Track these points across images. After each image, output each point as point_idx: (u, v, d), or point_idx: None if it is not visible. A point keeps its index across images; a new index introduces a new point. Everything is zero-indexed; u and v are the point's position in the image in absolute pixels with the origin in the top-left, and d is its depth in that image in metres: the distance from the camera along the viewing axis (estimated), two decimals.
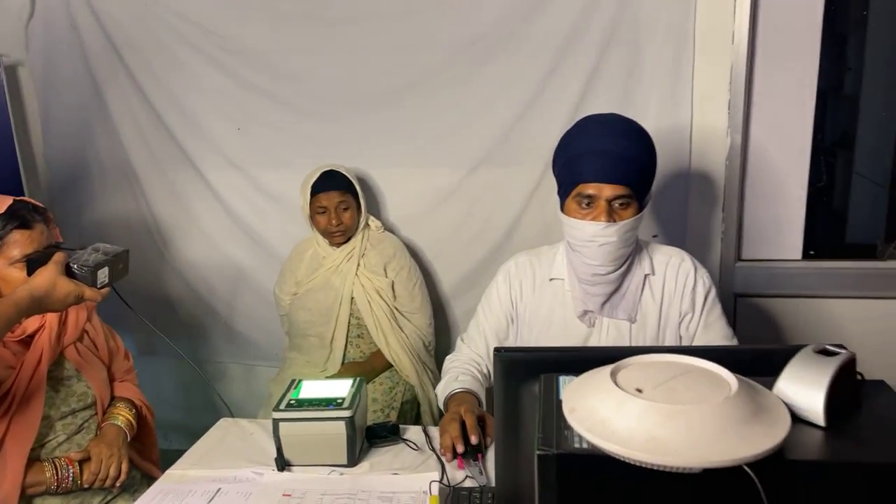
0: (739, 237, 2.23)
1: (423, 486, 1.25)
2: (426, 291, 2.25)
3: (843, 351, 0.74)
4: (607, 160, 1.43)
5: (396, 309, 2.15)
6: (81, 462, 1.51)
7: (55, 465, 1.48)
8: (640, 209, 1.49)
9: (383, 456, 1.45)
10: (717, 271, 2.23)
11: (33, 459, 1.48)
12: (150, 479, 1.62)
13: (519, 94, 2.17)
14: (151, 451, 1.75)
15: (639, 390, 0.71)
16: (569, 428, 0.72)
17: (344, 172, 2.13)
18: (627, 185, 1.44)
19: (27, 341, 1.52)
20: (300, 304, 2.17)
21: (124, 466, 1.54)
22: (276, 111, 2.34)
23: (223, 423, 1.63)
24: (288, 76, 2.31)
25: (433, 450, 1.45)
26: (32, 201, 1.53)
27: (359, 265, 2.14)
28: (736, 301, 2.26)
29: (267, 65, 2.31)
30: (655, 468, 0.65)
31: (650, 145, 1.51)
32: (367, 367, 2.12)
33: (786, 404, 0.72)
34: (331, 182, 2.10)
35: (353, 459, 1.40)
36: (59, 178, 2.63)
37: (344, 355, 2.14)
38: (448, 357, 1.74)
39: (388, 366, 2.16)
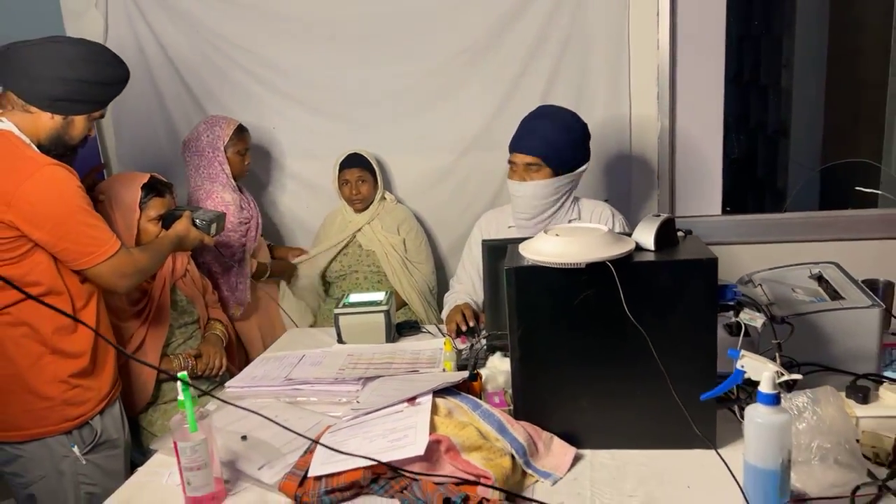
0: (672, 198, 2.86)
1: (440, 346, 1.88)
2: (430, 248, 2.88)
3: (665, 215, 1.38)
4: (523, 137, 2.03)
5: (407, 259, 2.77)
6: (195, 357, 2.13)
7: (180, 359, 2.10)
8: (555, 174, 2.03)
9: (409, 340, 2.08)
10: None
11: (162, 356, 2.10)
12: None
13: (497, 92, 2.76)
14: (235, 358, 2.36)
15: (557, 235, 1.35)
16: (522, 257, 1.35)
17: (365, 154, 2.74)
18: (535, 155, 2.01)
19: (153, 275, 2.13)
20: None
21: (225, 361, 2.17)
22: (304, 113, 2.92)
23: (292, 331, 2.26)
24: (313, 85, 2.87)
25: (444, 334, 2.07)
26: (162, 178, 2.12)
27: (377, 227, 2.76)
28: None
29: (296, 76, 2.88)
30: (563, 266, 1.28)
31: (567, 125, 2.05)
32: None
33: (636, 241, 1.36)
34: (353, 160, 2.72)
35: (390, 340, 2.03)
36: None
37: None
38: (446, 295, 2.36)
39: (402, 304, 2.78)
